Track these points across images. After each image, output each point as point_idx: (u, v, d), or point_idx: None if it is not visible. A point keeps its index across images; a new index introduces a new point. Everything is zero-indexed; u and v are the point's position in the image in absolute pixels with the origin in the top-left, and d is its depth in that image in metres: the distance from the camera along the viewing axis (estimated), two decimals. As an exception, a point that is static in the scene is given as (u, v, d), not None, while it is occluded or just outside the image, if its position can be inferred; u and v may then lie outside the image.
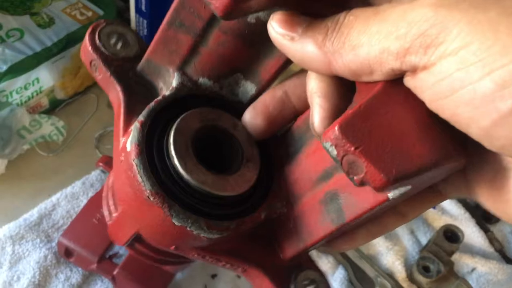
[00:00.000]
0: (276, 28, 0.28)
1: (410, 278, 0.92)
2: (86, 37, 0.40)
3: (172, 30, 0.37)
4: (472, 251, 0.98)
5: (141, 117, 0.36)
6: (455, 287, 0.87)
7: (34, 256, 0.84)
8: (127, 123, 0.37)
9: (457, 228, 0.93)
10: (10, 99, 0.93)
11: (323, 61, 0.26)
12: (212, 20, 0.35)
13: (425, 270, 0.89)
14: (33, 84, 0.95)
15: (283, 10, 0.28)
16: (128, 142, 0.34)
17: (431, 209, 1.01)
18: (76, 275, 0.84)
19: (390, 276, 0.91)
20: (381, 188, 0.25)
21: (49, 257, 0.84)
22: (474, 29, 0.21)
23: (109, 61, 0.40)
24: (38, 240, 0.86)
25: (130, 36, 0.41)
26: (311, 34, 0.27)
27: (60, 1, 1.02)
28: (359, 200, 0.31)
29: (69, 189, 0.92)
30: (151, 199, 0.33)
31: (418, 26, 0.22)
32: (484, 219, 1.02)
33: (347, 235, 0.37)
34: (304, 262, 0.39)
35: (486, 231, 1.01)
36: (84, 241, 0.83)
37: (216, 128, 0.37)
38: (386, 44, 0.23)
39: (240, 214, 0.36)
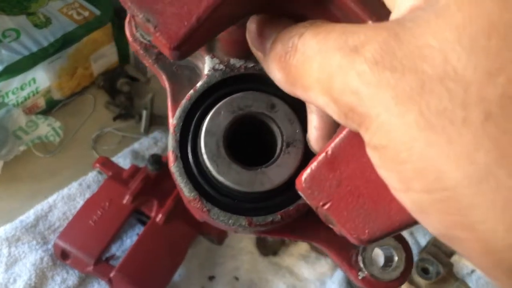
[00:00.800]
0: (250, 40, 0.27)
1: (409, 280, 0.91)
2: (126, 29, 0.40)
3: None
4: (472, 253, 0.98)
5: (174, 120, 0.36)
6: (455, 289, 0.86)
7: (30, 258, 0.83)
8: (175, 112, 0.37)
9: (457, 229, 0.93)
10: (6, 100, 0.93)
11: (287, 88, 0.24)
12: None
13: (424, 271, 0.89)
14: (30, 85, 0.94)
15: (258, 15, 0.26)
16: (168, 147, 0.35)
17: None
18: (72, 278, 0.83)
19: (389, 277, 0.90)
20: (361, 243, 0.23)
21: (45, 259, 0.83)
22: (392, 133, 0.18)
23: (149, 49, 0.40)
24: (34, 242, 0.85)
25: None
26: (274, 55, 0.25)
27: (57, 1, 1.02)
28: None
29: (65, 191, 0.92)
30: (191, 204, 0.33)
31: (347, 98, 0.20)
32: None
33: None
34: None
35: (485, 232, 1.00)
36: (81, 243, 0.82)
37: (250, 116, 0.35)
38: (327, 100, 0.21)
39: (284, 204, 0.34)
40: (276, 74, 0.25)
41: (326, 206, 0.22)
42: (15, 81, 0.92)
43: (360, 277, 0.36)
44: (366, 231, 0.22)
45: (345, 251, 0.36)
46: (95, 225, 0.83)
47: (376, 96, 0.19)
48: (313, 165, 0.23)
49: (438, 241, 0.91)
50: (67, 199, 0.91)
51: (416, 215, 0.19)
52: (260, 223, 0.33)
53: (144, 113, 1.03)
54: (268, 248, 0.94)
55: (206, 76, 0.37)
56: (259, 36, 0.26)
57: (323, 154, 0.23)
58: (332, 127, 0.28)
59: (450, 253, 0.91)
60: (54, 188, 0.92)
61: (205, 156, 0.33)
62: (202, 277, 0.89)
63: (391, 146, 0.19)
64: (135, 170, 0.88)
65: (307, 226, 0.36)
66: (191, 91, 0.37)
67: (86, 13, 1.01)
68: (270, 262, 0.93)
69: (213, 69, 0.37)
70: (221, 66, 0.37)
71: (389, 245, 0.36)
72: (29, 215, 0.88)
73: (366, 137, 0.20)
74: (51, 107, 1.02)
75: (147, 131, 1.03)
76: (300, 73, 0.23)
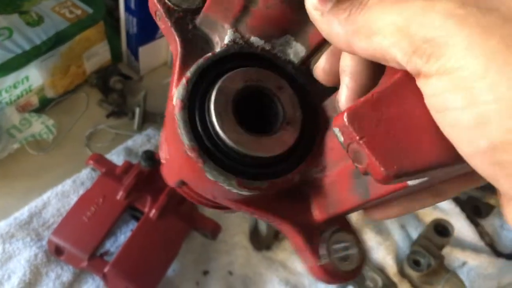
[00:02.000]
0: (310, 0, 0.29)
1: (401, 272, 0.92)
2: None
3: None
4: (463, 245, 0.99)
5: (188, 73, 0.37)
6: (445, 280, 0.87)
7: (25, 255, 0.84)
8: (181, 74, 0.38)
9: (447, 222, 0.94)
10: (-1, 98, 0.93)
11: (345, 41, 0.27)
12: None
13: (416, 264, 0.90)
14: (23, 83, 0.95)
15: None
16: (174, 96, 0.36)
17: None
18: (67, 273, 0.84)
19: (381, 270, 0.91)
20: (382, 181, 0.24)
21: (39, 255, 0.84)
22: (471, 54, 0.21)
23: (171, 12, 0.41)
24: (29, 238, 0.86)
25: None
26: (336, 11, 0.27)
27: (50, 0, 1.02)
28: None
29: (59, 188, 0.92)
30: (188, 152, 0.35)
31: (426, 31, 0.22)
32: (474, 213, 1.03)
33: (381, 206, 0.37)
34: (340, 224, 0.40)
35: (476, 225, 1.01)
36: (75, 239, 0.83)
37: (259, 88, 0.38)
38: (397, 38, 0.23)
39: (273, 175, 0.36)
40: (335, 28, 0.27)
41: (361, 141, 0.24)
42: (8, 79, 0.92)
43: (320, 264, 0.38)
44: (395, 166, 0.24)
45: (309, 237, 0.38)
46: (89, 221, 0.83)
47: (459, 27, 0.21)
48: (358, 101, 0.25)
49: (429, 233, 0.92)
50: (61, 196, 0.91)
51: (476, 126, 0.21)
52: (248, 186, 0.35)
53: (137, 110, 1.03)
54: (261, 243, 0.94)
55: (225, 46, 0.39)
56: None
57: (368, 96, 0.25)
58: (364, 88, 0.31)
59: (441, 246, 0.92)
60: (48, 185, 0.92)
61: (212, 111, 0.35)
62: (196, 272, 0.90)
63: (466, 66, 0.21)
64: (128, 166, 0.89)
65: (284, 206, 0.39)
66: (210, 54, 0.39)
67: (79, 12, 1.01)
68: (264, 256, 0.94)
69: (234, 41, 0.39)
70: (241, 42, 0.40)
71: (347, 240, 0.39)
72: (23, 212, 0.88)
73: (436, 65, 0.22)
74: (44, 105, 1.03)
75: (140, 128, 1.04)
76: (368, 20, 0.25)
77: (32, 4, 1.01)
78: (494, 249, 0.99)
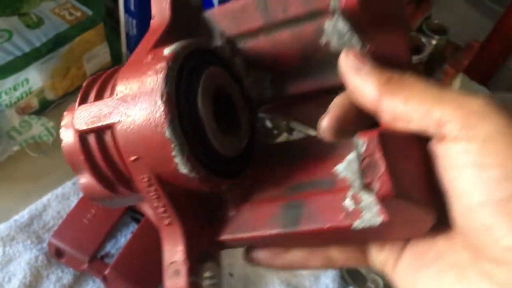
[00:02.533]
0: (349, 57, 0.32)
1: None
2: None
3: (253, 3, 0.38)
4: (464, 246, 0.98)
5: (186, 41, 0.36)
6: (447, 281, 0.87)
7: (25, 257, 0.83)
8: (160, 44, 0.37)
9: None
10: (-1, 100, 0.93)
11: (373, 98, 0.29)
12: (291, 22, 0.36)
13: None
14: (22, 85, 0.95)
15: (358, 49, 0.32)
16: (167, 48, 0.35)
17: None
18: (67, 276, 0.84)
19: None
20: (386, 196, 0.26)
21: (40, 258, 0.84)
22: (498, 132, 0.25)
23: None
24: (29, 241, 0.86)
25: None
26: (375, 73, 0.30)
27: (49, 1, 1.02)
28: (322, 217, 0.32)
29: (59, 190, 0.92)
30: (162, 99, 0.33)
31: (467, 109, 0.26)
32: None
33: (273, 250, 0.39)
34: (214, 259, 0.39)
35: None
36: (75, 241, 0.83)
37: (232, 97, 0.39)
38: (434, 108, 0.27)
39: (212, 169, 0.36)
40: (367, 88, 0.30)
41: (383, 157, 0.26)
42: (8, 82, 0.92)
43: (190, 280, 0.37)
44: (402, 187, 0.26)
45: (194, 252, 0.38)
46: (89, 223, 0.83)
47: (495, 111, 0.26)
48: (389, 130, 0.29)
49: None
50: (61, 198, 0.91)
51: (502, 180, 0.25)
52: (193, 164, 0.34)
53: (137, 112, 1.03)
54: (262, 245, 0.94)
55: (215, 47, 0.39)
56: (362, 58, 0.31)
57: (398, 130, 0.29)
58: (346, 121, 0.33)
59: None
60: (48, 188, 0.92)
61: (200, 85, 0.35)
62: (197, 274, 0.90)
63: (494, 137, 0.26)
64: (128, 168, 0.88)
65: (189, 211, 0.38)
66: (204, 40, 0.39)
67: (78, 13, 1.01)
68: (264, 258, 0.93)
69: (221, 49, 0.39)
70: (227, 55, 0.40)
71: (216, 272, 0.39)
72: (24, 215, 0.88)
73: (470, 133, 0.26)
74: (44, 107, 1.03)
75: (141, 130, 1.03)
76: (409, 91, 0.29)
77: (31, 6, 1.01)
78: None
